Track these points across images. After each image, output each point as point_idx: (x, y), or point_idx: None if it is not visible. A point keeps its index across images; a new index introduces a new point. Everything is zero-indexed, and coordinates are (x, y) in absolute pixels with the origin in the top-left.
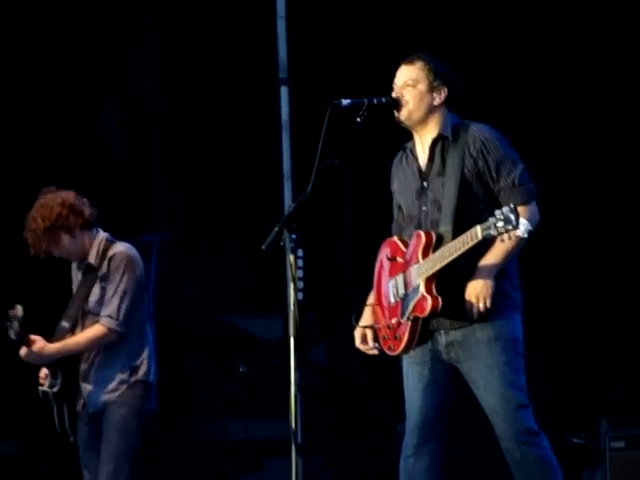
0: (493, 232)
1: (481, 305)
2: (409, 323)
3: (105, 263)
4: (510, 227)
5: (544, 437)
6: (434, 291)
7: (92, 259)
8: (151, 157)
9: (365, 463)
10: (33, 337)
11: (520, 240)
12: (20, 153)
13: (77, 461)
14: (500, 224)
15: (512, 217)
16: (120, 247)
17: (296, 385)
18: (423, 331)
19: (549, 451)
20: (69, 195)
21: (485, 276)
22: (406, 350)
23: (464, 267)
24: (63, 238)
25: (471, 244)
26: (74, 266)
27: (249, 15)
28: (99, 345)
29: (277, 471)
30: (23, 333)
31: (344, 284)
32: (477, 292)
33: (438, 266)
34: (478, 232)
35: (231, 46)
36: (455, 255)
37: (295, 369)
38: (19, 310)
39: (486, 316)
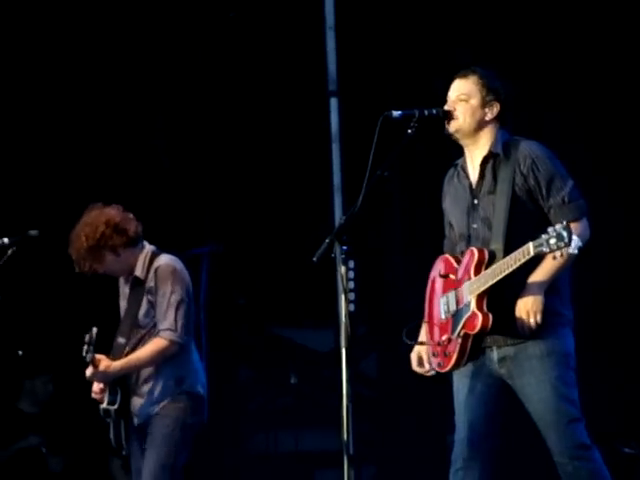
0: (545, 249)
1: (532, 321)
2: (459, 340)
3: (151, 276)
4: (562, 244)
5: (597, 451)
6: (485, 308)
7: (139, 272)
8: (202, 169)
9: (416, 474)
10: (98, 356)
11: (571, 256)
12: (70, 162)
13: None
14: (552, 241)
15: (565, 234)
16: (165, 259)
17: (348, 396)
18: (473, 348)
19: (602, 465)
20: (113, 213)
21: (535, 292)
22: (455, 367)
23: (515, 284)
24: (107, 257)
25: (523, 261)
26: (121, 280)
27: (298, 27)
28: (162, 358)
29: None
30: (93, 357)
31: (395, 295)
32: (527, 308)
33: (490, 283)
34: (530, 249)
35: (280, 58)
36: (507, 272)
37: (347, 380)
38: (94, 333)
39: (537, 332)
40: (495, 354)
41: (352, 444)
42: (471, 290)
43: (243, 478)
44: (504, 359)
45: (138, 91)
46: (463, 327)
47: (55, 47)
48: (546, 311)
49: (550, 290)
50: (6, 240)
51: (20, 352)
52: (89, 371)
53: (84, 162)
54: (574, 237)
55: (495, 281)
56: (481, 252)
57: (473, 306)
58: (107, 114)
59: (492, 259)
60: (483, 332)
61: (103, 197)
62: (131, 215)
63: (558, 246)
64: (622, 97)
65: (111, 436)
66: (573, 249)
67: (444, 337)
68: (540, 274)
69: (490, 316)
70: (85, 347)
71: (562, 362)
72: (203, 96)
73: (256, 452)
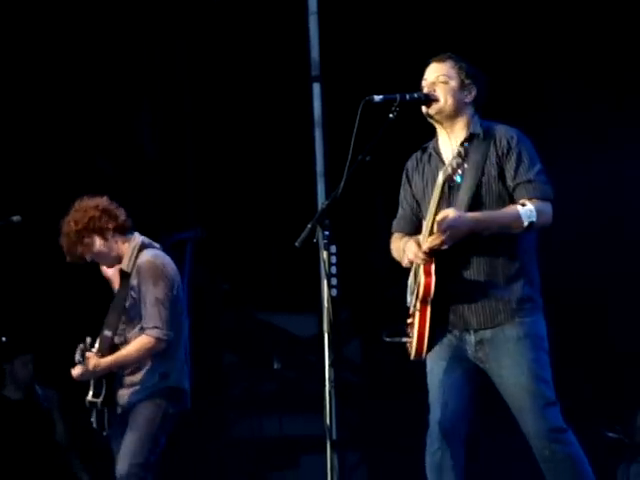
0: None
1: (437, 243)
2: (416, 315)
3: (134, 273)
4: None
5: (572, 433)
6: (432, 271)
7: (125, 265)
8: (183, 156)
9: (400, 459)
10: (87, 354)
11: (519, 222)
12: (54, 149)
13: None
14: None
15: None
16: (147, 256)
17: (330, 382)
18: (434, 330)
19: (578, 447)
20: (103, 200)
21: (466, 217)
22: (418, 351)
23: (491, 271)
24: (96, 241)
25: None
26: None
27: (280, 12)
28: (149, 355)
29: (312, 468)
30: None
31: (378, 280)
32: (447, 228)
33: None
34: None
35: (263, 44)
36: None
37: (329, 366)
38: (88, 343)
39: (513, 316)
40: (472, 337)
41: (335, 429)
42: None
43: (227, 463)
44: (481, 342)
45: (122, 78)
46: (416, 299)
47: (40, 36)
48: (521, 297)
49: (522, 277)
50: None
51: (4, 338)
52: (78, 370)
53: (68, 149)
54: (530, 207)
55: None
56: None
57: (420, 273)
58: (92, 101)
59: None
60: (425, 296)
61: (87, 183)
62: (122, 208)
63: None
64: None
65: (92, 419)
66: (524, 217)
67: (409, 321)
68: (484, 217)
69: (433, 278)
70: (77, 355)
71: (538, 345)
72: (186, 82)
73: (240, 437)
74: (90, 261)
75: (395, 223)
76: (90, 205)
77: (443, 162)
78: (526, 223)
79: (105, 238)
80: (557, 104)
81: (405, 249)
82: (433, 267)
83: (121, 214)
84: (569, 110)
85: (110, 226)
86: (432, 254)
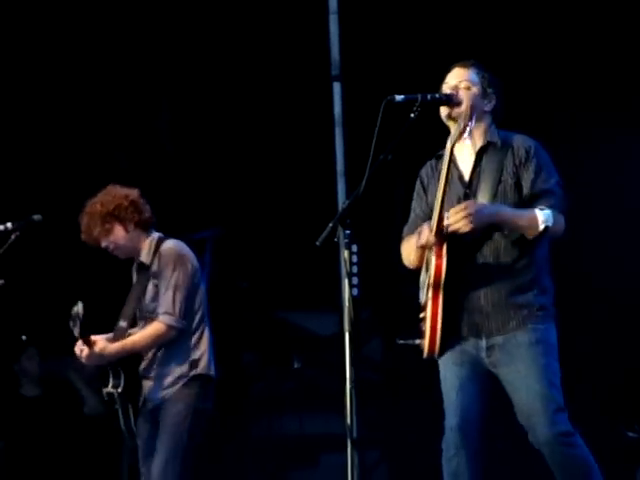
0: None
1: (462, 225)
2: (428, 305)
3: (155, 260)
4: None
5: (579, 436)
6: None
7: (144, 257)
8: (203, 154)
9: (420, 458)
10: (94, 338)
11: (535, 223)
12: (73, 147)
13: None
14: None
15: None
16: (170, 243)
17: (351, 380)
18: (446, 323)
19: (586, 449)
20: (135, 192)
21: (492, 215)
22: (431, 346)
23: (505, 279)
24: (116, 229)
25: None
26: (134, 266)
27: (301, 12)
28: (160, 342)
29: (332, 466)
30: (85, 334)
31: (399, 279)
32: (472, 211)
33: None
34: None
35: (284, 43)
36: None
37: (350, 365)
38: (80, 307)
39: (525, 322)
40: (484, 342)
41: (356, 428)
42: None
43: (247, 462)
44: (492, 347)
45: (142, 74)
46: (427, 287)
47: (58, 30)
48: (533, 305)
49: (536, 287)
50: (9, 225)
51: (24, 337)
52: (84, 352)
53: (88, 146)
54: (548, 212)
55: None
56: None
57: (431, 258)
58: (110, 97)
59: None
60: (437, 279)
61: (106, 181)
62: (148, 205)
63: None
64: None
65: (122, 425)
66: (541, 221)
67: (421, 315)
68: (507, 212)
69: (444, 259)
70: (71, 322)
71: (549, 352)
72: (206, 80)
73: (260, 436)
74: (104, 248)
75: (406, 228)
76: (120, 193)
77: (458, 170)
78: (542, 226)
79: (126, 229)
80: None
81: (419, 233)
82: (444, 249)
83: (147, 210)
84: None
85: (134, 219)
86: (444, 236)
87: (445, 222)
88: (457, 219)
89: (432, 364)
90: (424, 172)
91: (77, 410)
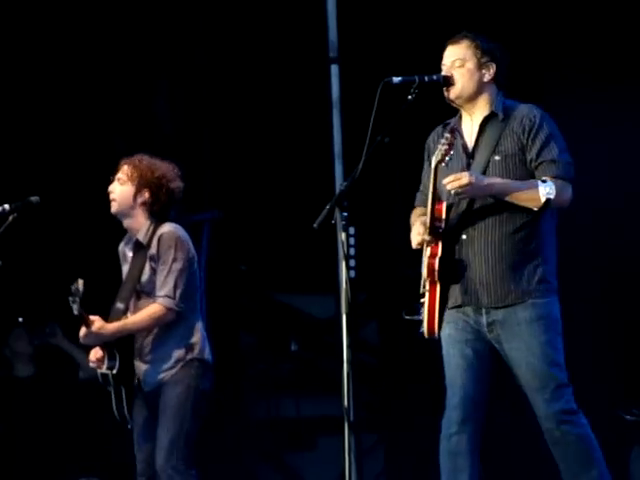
0: None
1: (460, 189)
2: (426, 295)
3: (154, 243)
4: None
5: (583, 416)
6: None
7: (141, 237)
8: (201, 137)
9: (417, 441)
10: (92, 317)
11: (536, 197)
12: (71, 129)
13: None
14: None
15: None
16: (168, 227)
17: (348, 363)
18: (443, 309)
19: (588, 429)
20: (177, 183)
21: (489, 186)
22: (430, 329)
23: (506, 249)
24: (128, 189)
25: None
26: (122, 245)
27: None
28: (157, 325)
29: (329, 449)
30: (82, 313)
31: (396, 262)
32: (467, 180)
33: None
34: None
35: (280, 25)
36: None
37: (347, 347)
38: (80, 285)
39: (525, 296)
40: (484, 318)
41: (353, 411)
42: None
43: (244, 444)
44: (493, 323)
45: (140, 56)
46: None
47: (55, 15)
48: (533, 277)
49: (538, 257)
50: (7, 206)
51: (20, 319)
52: (81, 332)
53: (85, 128)
54: (550, 184)
55: None
56: None
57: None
58: (109, 79)
59: None
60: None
61: (104, 163)
62: (178, 203)
63: None
64: None
65: (114, 407)
66: (542, 194)
67: (422, 301)
68: (506, 184)
69: (436, 259)
70: (70, 298)
71: (551, 327)
72: (204, 61)
73: (257, 418)
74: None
75: (417, 197)
76: (166, 173)
77: (463, 139)
78: (543, 199)
79: (134, 198)
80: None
81: (412, 234)
82: (439, 249)
83: (166, 204)
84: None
85: (147, 198)
86: (439, 234)
87: (444, 182)
88: (454, 186)
89: (429, 347)
90: (431, 139)
91: (73, 382)
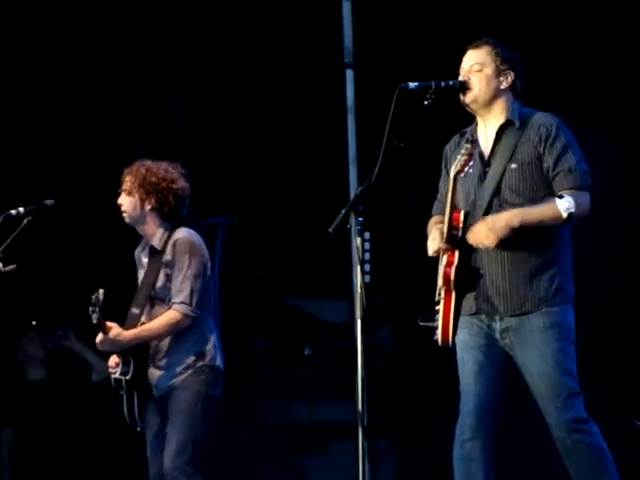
0: None
1: (485, 241)
2: (441, 303)
3: (169, 249)
4: None
5: (594, 424)
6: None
7: (156, 242)
8: (216, 141)
9: (430, 446)
10: (109, 324)
11: (558, 215)
12: (86, 133)
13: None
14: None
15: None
16: (183, 232)
17: (362, 367)
18: (458, 317)
19: (600, 438)
20: (183, 184)
21: (508, 220)
22: (444, 337)
23: (522, 258)
24: (135, 198)
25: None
26: (138, 250)
27: None
28: (174, 331)
29: (342, 454)
30: (100, 319)
31: (410, 267)
32: (489, 226)
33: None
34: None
35: (296, 30)
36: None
37: (362, 351)
38: (101, 294)
39: (540, 304)
40: (498, 325)
41: (366, 415)
42: None
43: (257, 448)
44: (507, 330)
45: (155, 61)
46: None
47: (71, 22)
48: (550, 286)
49: (554, 266)
50: (22, 209)
51: (34, 322)
52: (98, 338)
53: (100, 133)
54: (567, 197)
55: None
56: None
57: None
58: (123, 85)
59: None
60: (446, 285)
61: (118, 168)
62: (188, 202)
63: None
64: None
65: (125, 411)
66: (564, 210)
67: (437, 308)
68: (523, 212)
69: (453, 268)
70: (90, 308)
71: (564, 335)
72: (219, 65)
73: (270, 422)
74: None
75: (434, 206)
76: (170, 176)
77: (480, 148)
78: (565, 215)
79: (142, 206)
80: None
81: (428, 241)
82: (456, 258)
83: (178, 206)
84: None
85: (156, 204)
86: (456, 242)
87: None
88: (478, 240)
89: (443, 352)
90: (448, 148)
91: (86, 385)
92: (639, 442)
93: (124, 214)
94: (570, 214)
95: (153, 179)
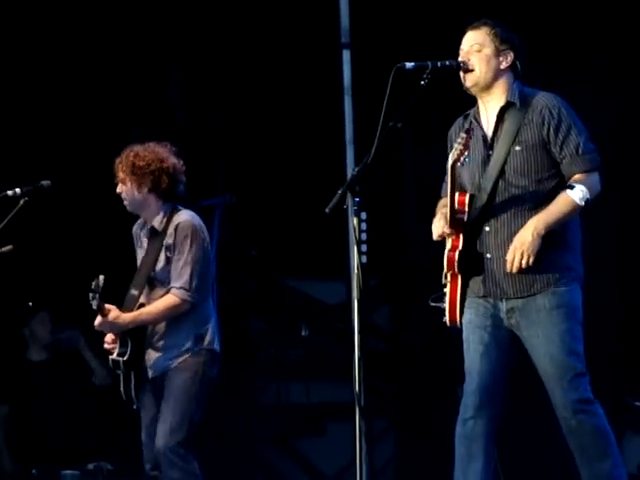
0: None
1: (523, 262)
2: (448, 286)
3: (170, 231)
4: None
5: (599, 405)
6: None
7: (156, 223)
8: (212, 121)
9: (427, 426)
10: (108, 306)
11: (575, 206)
12: (83, 114)
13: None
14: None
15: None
16: (185, 215)
17: (359, 348)
18: (464, 299)
19: (604, 419)
20: (173, 160)
21: (535, 233)
22: (452, 318)
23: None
24: (131, 185)
25: None
26: (136, 227)
27: None
28: (172, 315)
29: (339, 434)
30: (100, 304)
31: (407, 247)
32: (523, 248)
33: None
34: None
35: (292, 11)
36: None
37: (358, 332)
38: (101, 281)
39: (548, 285)
40: (504, 305)
41: (363, 396)
42: None
43: (254, 429)
44: (512, 310)
45: (152, 43)
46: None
47: (68, 8)
48: (558, 265)
49: (562, 245)
50: (18, 190)
51: (30, 304)
52: (97, 320)
53: (97, 115)
54: (579, 186)
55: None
56: None
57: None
58: (120, 67)
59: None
60: (451, 269)
61: (116, 149)
62: (184, 178)
63: None
64: None
65: (121, 389)
66: (579, 199)
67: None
68: (543, 215)
69: (456, 253)
70: (91, 294)
71: (570, 315)
72: (216, 47)
73: (267, 404)
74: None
75: (442, 188)
76: (159, 155)
77: (482, 130)
78: (582, 203)
79: (139, 190)
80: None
81: (433, 225)
82: (460, 242)
83: (173, 182)
84: None
85: (152, 185)
86: (460, 226)
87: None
88: (517, 265)
89: (440, 333)
90: (452, 131)
91: (83, 377)
92: (634, 421)
93: (125, 203)
94: (586, 200)
95: (142, 163)
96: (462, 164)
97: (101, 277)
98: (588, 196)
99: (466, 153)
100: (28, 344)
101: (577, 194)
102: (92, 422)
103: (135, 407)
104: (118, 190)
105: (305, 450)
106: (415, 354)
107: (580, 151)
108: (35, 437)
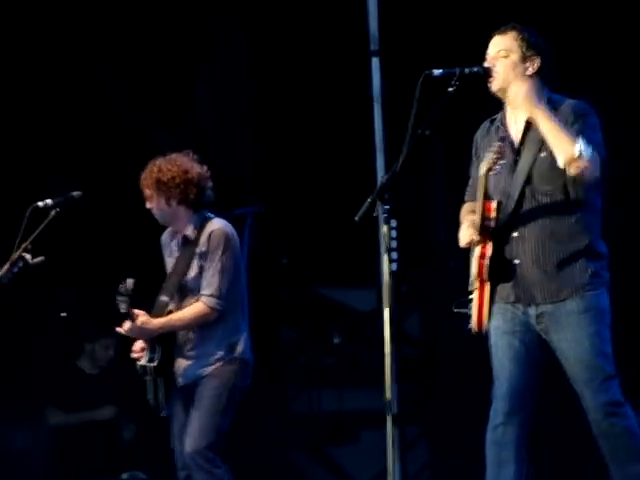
0: None
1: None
2: (475, 293)
3: (203, 239)
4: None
5: (629, 408)
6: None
7: (189, 232)
8: (243, 130)
9: (459, 433)
10: (137, 311)
11: (570, 140)
12: (112, 126)
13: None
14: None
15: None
16: (218, 224)
17: (391, 356)
18: (492, 306)
19: (634, 422)
20: (198, 169)
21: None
22: (478, 325)
23: (557, 247)
24: (159, 199)
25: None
26: (166, 235)
27: None
28: (202, 323)
29: (371, 442)
30: (129, 308)
31: (437, 254)
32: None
33: None
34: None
35: (322, 18)
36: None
37: (390, 339)
38: (130, 284)
39: (577, 291)
40: (533, 310)
41: (395, 403)
42: None
43: (286, 437)
44: (542, 315)
45: (180, 49)
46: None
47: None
48: (586, 272)
49: (589, 253)
50: (49, 201)
51: (64, 314)
52: (126, 325)
53: (126, 121)
54: (581, 140)
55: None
56: None
57: (476, 253)
58: (149, 73)
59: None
60: (481, 276)
61: (145, 157)
62: (210, 183)
63: None
64: None
65: (150, 396)
66: (577, 148)
67: (471, 297)
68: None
69: (486, 260)
70: (118, 297)
71: (599, 318)
72: (245, 54)
73: (299, 412)
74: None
75: (466, 192)
76: (183, 167)
77: (510, 137)
78: (577, 152)
79: (168, 203)
80: None
81: (460, 232)
82: (489, 249)
83: (200, 191)
84: None
85: (180, 196)
86: (489, 233)
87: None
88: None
89: (471, 339)
90: (478, 134)
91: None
92: None
93: (158, 218)
94: (581, 153)
95: (166, 177)
96: (495, 172)
97: (130, 281)
98: (585, 154)
99: (501, 162)
100: (83, 356)
101: (580, 145)
102: (125, 431)
103: (164, 414)
104: (147, 206)
105: (338, 458)
106: (446, 360)
107: (590, 138)
108: (69, 448)
